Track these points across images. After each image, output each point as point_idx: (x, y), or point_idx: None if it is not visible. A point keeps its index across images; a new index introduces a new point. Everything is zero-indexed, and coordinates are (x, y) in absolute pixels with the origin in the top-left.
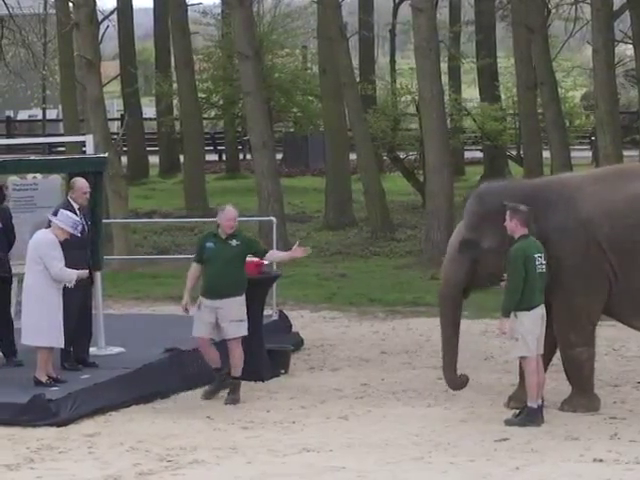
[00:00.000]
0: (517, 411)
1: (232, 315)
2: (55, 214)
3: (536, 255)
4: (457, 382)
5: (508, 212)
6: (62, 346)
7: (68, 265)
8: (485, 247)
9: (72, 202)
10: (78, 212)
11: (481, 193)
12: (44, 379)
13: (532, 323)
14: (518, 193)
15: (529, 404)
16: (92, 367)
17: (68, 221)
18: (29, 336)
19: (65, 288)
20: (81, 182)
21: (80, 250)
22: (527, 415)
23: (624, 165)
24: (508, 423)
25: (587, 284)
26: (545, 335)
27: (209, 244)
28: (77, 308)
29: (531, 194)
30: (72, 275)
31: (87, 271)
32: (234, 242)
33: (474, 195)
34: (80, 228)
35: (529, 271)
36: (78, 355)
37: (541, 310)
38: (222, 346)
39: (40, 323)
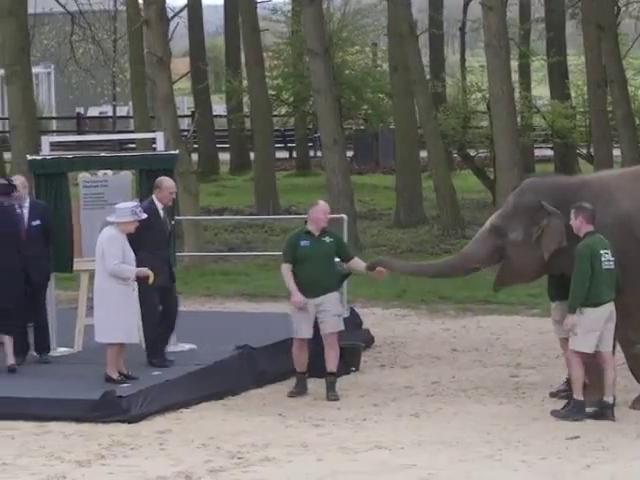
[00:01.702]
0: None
1: (332, 310)
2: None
3: (602, 252)
4: None
5: (573, 211)
6: (135, 342)
7: (151, 264)
8: (510, 238)
9: (156, 201)
10: (162, 212)
11: (524, 186)
12: (115, 375)
13: (596, 320)
14: (558, 190)
15: (575, 397)
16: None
17: (124, 212)
18: (100, 333)
19: (141, 290)
20: (168, 182)
21: (162, 249)
22: (573, 407)
23: None
24: (554, 415)
25: (631, 281)
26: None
27: (303, 242)
28: (156, 307)
29: (571, 191)
30: (129, 272)
31: (144, 269)
32: (327, 239)
33: (519, 187)
34: (140, 210)
35: (595, 268)
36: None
37: (610, 307)
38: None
39: (109, 320)
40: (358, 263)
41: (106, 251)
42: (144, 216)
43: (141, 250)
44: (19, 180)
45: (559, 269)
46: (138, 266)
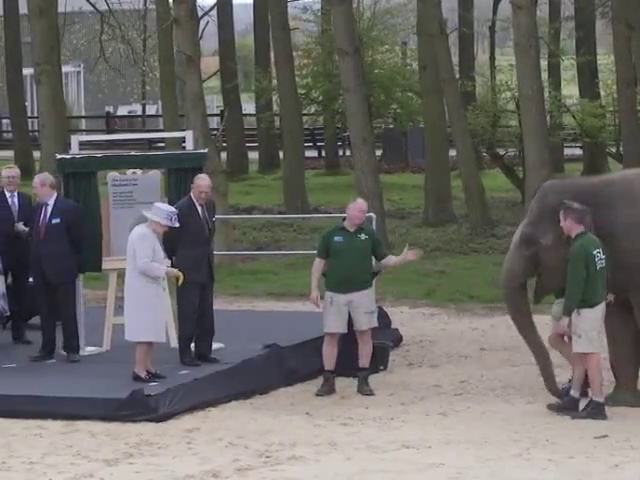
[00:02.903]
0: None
1: (366, 307)
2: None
3: (595, 252)
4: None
5: (562, 212)
6: (162, 341)
7: (190, 262)
8: (543, 243)
9: (194, 198)
10: (200, 209)
11: (544, 190)
12: (143, 374)
13: (595, 319)
14: (582, 190)
15: (594, 398)
16: (214, 363)
17: (161, 214)
18: (130, 332)
19: (182, 286)
20: (201, 180)
21: (202, 247)
22: (593, 409)
23: None
24: (575, 417)
25: None
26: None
27: (337, 238)
28: (194, 305)
29: (595, 191)
30: (158, 270)
31: (174, 270)
32: (362, 236)
33: (539, 191)
34: (175, 218)
35: (590, 269)
36: (200, 351)
37: (603, 307)
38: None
39: (139, 319)
40: (391, 260)
41: (137, 249)
42: (177, 225)
43: (180, 247)
44: (38, 178)
45: None
46: (177, 263)
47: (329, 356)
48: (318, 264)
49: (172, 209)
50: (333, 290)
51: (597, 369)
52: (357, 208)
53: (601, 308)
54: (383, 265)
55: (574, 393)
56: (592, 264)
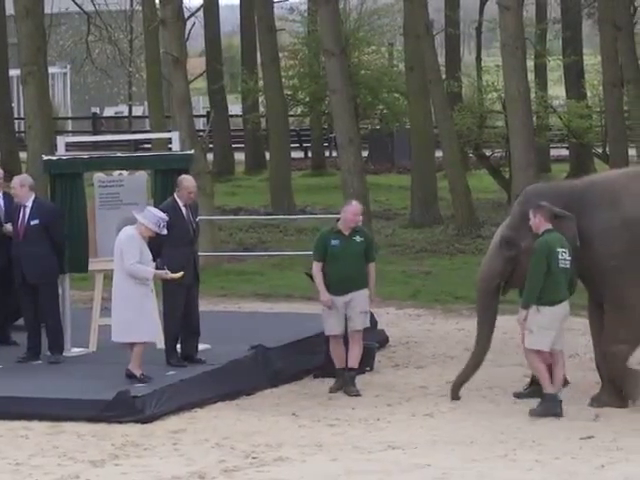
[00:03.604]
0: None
1: (361, 307)
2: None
3: (559, 250)
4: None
5: (531, 210)
6: (155, 340)
7: (175, 262)
8: (523, 247)
9: (178, 199)
10: (184, 210)
11: (527, 193)
12: (139, 373)
13: (553, 318)
14: (563, 194)
15: (545, 391)
16: (200, 364)
17: (152, 218)
18: (118, 333)
19: (168, 287)
20: (187, 182)
21: (187, 247)
22: (547, 402)
23: None
24: (532, 413)
25: (635, 283)
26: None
27: (334, 242)
28: (181, 306)
29: (576, 194)
30: (146, 272)
31: (162, 272)
32: (358, 238)
33: (521, 194)
34: (164, 225)
35: (552, 265)
36: (186, 352)
37: (566, 306)
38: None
39: (128, 320)
40: (371, 272)
41: (125, 250)
42: (164, 232)
43: (165, 248)
44: (18, 179)
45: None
46: (164, 263)
47: (338, 355)
48: (318, 267)
49: (163, 216)
50: (331, 293)
51: (542, 363)
52: (352, 211)
53: (562, 307)
54: (369, 270)
55: (548, 390)
56: (554, 261)
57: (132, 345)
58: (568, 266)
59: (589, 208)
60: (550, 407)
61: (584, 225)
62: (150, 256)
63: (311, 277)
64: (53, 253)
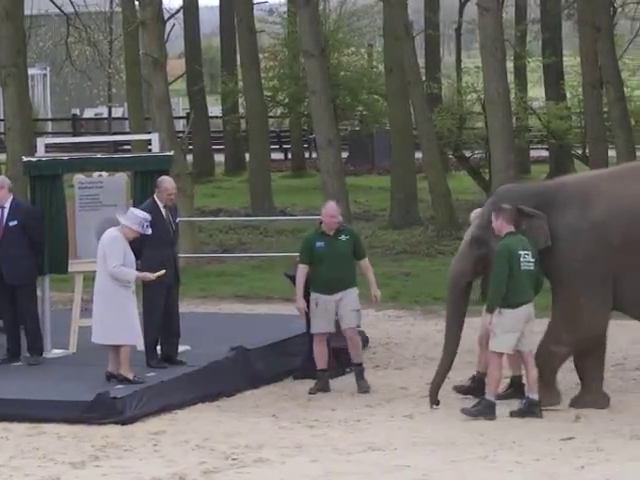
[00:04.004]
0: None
1: (351, 305)
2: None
3: (522, 252)
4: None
5: (493, 213)
6: (137, 343)
7: (156, 264)
8: (492, 247)
9: (157, 201)
10: (164, 211)
11: (499, 194)
12: (131, 376)
13: (514, 321)
14: (535, 195)
15: (486, 397)
16: (180, 365)
17: (135, 219)
18: (100, 335)
19: (148, 288)
20: (167, 183)
21: (168, 248)
22: (483, 407)
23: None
24: (464, 412)
25: (594, 288)
26: None
27: (319, 244)
28: (160, 307)
29: (547, 196)
30: (129, 275)
31: (149, 274)
32: (343, 237)
33: (494, 195)
34: (147, 225)
35: (513, 268)
36: (166, 354)
37: (529, 308)
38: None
39: (110, 322)
40: (367, 268)
41: (107, 252)
42: (149, 232)
43: (145, 249)
44: None
45: (543, 269)
46: (144, 264)
47: (320, 356)
48: (302, 271)
49: (146, 216)
50: (319, 292)
51: (499, 369)
52: (328, 214)
53: (524, 309)
54: (360, 268)
55: (489, 396)
56: (516, 263)
57: (113, 347)
58: (532, 268)
59: (559, 209)
60: (484, 412)
61: (553, 225)
62: (133, 258)
63: (290, 278)
64: (32, 254)
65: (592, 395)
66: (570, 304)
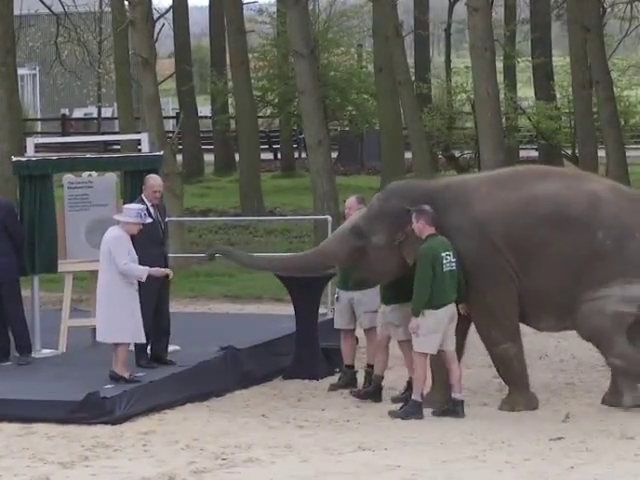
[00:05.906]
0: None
1: (366, 305)
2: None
3: (444, 254)
4: None
5: (414, 214)
6: (142, 341)
7: (146, 263)
8: (373, 241)
9: (145, 200)
10: (152, 209)
11: (389, 191)
12: (127, 375)
13: (437, 321)
14: (423, 194)
15: (413, 397)
16: (170, 365)
17: (132, 213)
18: (104, 333)
19: (144, 285)
20: (153, 180)
21: (157, 248)
22: (410, 407)
23: (521, 167)
24: (391, 415)
25: (491, 282)
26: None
27: None
28: (152, 307)
29: (431, 194)
30: (140, 271)
31: (160, 269)
32: None
33: (383, 191)
34: (145, 214)
35: (436, 270)
36: (156, 353)
37: (452, 308)
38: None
39: (115, 320)
40: None
41: (114, 251)
42: (149, 220)
43: (136, 248)
44: None
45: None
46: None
47: (345, 351)
48: None
49: (140, 206)
50: (339, 287)
51: (424, 370)
52: (346, 207)
53: (447, 310)
54: None
55: (416, 397)
56: (439, 266)
57: (116, 346)
58: (454, 268)
59: (444, 209)
60: (412, 412)
61: (440, 225)
62: (136, 256)
63: (280, 278)
64: (13, 251)
65: (519, 395)
66: (480, 305)
